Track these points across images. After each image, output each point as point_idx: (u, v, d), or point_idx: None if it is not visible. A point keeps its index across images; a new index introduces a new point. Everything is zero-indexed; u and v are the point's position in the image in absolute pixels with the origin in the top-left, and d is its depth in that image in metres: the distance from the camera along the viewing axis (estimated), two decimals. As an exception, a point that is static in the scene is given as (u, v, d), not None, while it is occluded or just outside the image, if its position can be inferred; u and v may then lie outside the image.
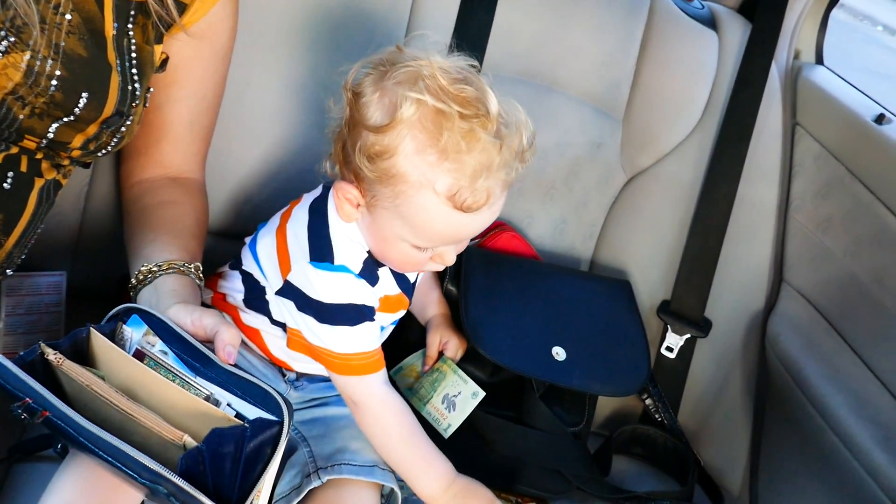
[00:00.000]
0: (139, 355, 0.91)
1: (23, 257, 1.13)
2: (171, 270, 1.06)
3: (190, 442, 0.83)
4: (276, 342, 1.13)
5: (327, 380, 1.19)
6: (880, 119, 1.48)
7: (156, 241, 1.10)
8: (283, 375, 1.16)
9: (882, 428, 1.33)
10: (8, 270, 1.11)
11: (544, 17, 1.50)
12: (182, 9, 1.11)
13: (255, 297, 1.11)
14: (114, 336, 0.93)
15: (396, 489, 1.11)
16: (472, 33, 1.44)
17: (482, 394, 1.25)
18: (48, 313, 1.23)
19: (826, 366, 1.44)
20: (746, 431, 1.60)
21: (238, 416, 0.88)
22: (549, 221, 1.56)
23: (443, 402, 1.25)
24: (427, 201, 0.95)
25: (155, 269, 1.06)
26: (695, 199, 1.55)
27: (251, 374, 0.91)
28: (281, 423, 0.87)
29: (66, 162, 1.10)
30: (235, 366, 0.92)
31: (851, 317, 1.46)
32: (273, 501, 1.07)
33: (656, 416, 1.52)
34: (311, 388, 1.18)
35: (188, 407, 0.87)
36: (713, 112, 1.56)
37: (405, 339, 1.38)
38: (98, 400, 0.85)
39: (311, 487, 1.06)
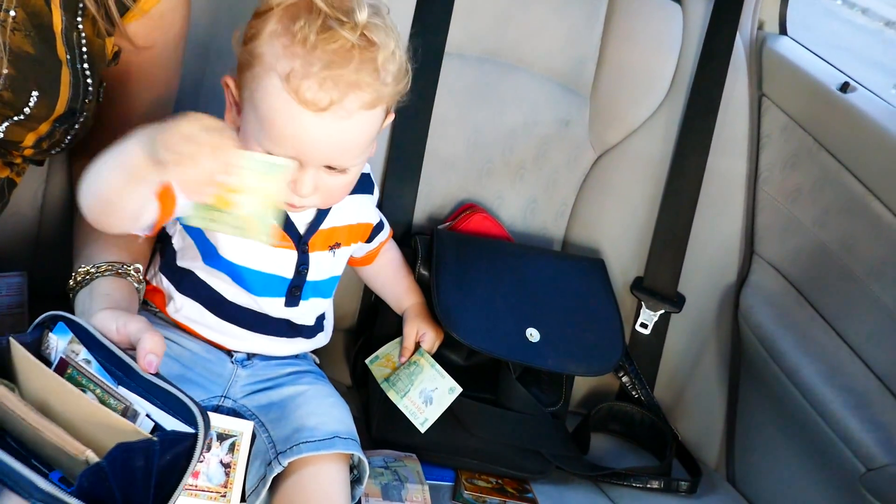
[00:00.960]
0: (63, 364, 0.87)
1: None
2: (108, 272, 1.03)
3: (92, 457, 0.79)
4: (208, 332, 1.13)
5: (279, 359, 1.18)
6: (845, 87, 1.48)
7: (98, 241, 1.07)
8: (231, 356, 1.14)
9: (854, 395, 1.34)
10: (-36, 272, 1.08)
11: (507, -6, 1.49)
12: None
13: (166, 248, 1.11)
14: (40, 344, 0.89)
15: (363, 458, 1.09)
16: (434, 12, 1.42)
17: (459, 389, 1.25)
18: (10, 315, 1.20)
19: (798, 336, 1.45)
20: (721, 404, 1.61)
21: (157, 427, 0.85)
22: (519, 202, 1.55)
23: (420, 396, 1.25)
24: (271, 85, 0.94)
25: (92, 270, 1.03)
26: (665, 174, 1.55)
27: (171, 384, 0.88)
28: (195, 435, 0.83)
29: (18, 160, 1.06)
30: (157, 375, 0.89)
31: (822, 286, 1.47)
32: (245, 497, 1.06)
33: (633, 392, 1.52)
34: (261, 365, 1.16)
35: (100, 420, 0.83)
36: (680, 86, 1.56)
37: (381, 329, 1.37)
38: (10, 414, 0.82)
39: (275, 474, 1.04)
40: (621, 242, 1.57)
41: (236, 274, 1.10)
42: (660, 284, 1.54)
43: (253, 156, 0.89)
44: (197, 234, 1.09)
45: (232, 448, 1.06)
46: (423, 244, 1.37)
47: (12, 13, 0.96)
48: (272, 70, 0.94)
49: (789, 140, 1.55)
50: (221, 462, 1.04)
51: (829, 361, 1.39)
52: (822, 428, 1.35)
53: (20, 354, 0.87)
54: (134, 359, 0.88)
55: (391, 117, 1.06)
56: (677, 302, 1.54)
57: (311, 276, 1.14)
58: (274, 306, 1.13)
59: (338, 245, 1.16)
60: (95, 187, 0.96)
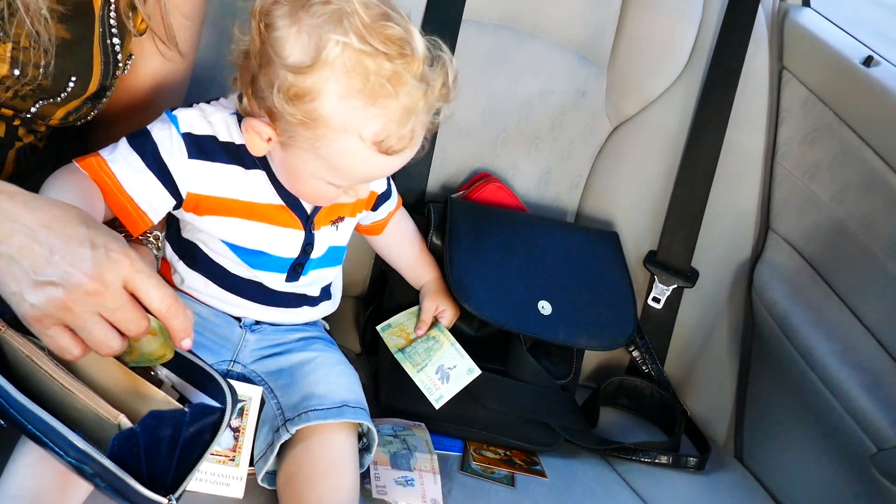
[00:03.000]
0: None
1: None
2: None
3: (125, 422, 0.79)
4: (213, 301, 1.12)
5: (288, 324, 1.17)
6: (868, 61, 1.45)
7: None
8: (239, 321, 1.14)
9: (867, 374, 1.33)
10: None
11: (526, -40, 1.46)
12: None
13: (172, 218, 1.11)
14: None
15: (372, 427, 1.08)
16: (453, -23, 1.39)
17: (478, 371, 1.24)
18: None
19: (812, 313, 1.44)
20: (732, 380, 1.60)
21: (181, 399, 0.86)
22: (534, 172, 1.53)
23: (437, 373, 1.24)
24: (351, 146, 0.92)
25: None
26: (681, 146, 1.52)
27: (200, 358, 0.88)
28: (223, 410, 0.84)
29: (42, 128, 1.06)
30: (189, 350, 0.88)
31: (838, 264, 1.46)
32: (253, 462, 1.06)
33: (643, 367, 1.52)
34: (270, 330, 1.15)
35: (129, 386, 0.83)
36: (699, 57, 1.53)
37: (391, 298, 1.36)
38: (38, 372, 0.81)
39: (282, 441, 1.04)
40: (635, 215, 1.56)
41: (240, 253, 1.08)
42: (673, 259, 1.52)
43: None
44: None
45: (241, 413, 1.06)
46: (436, 212, 1.36)
47: (43, 10, 0.93)
48: (348, 133, 0.91)
49: (809, 114, 1.52)
50: (230, 426, 1.04)
51: (842, 340, 1.38)
52: (833, 406, 1.34)
53: None
54: None
55: None
56: (690, 277, 1.53)
57: (318, 252, 1.13)
58: (275, 281, 1.12)
59: (341, 219, 1.14)
60: None
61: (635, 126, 1.55)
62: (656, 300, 1.54)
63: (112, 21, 1.02)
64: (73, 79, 0.98)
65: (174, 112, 1.02)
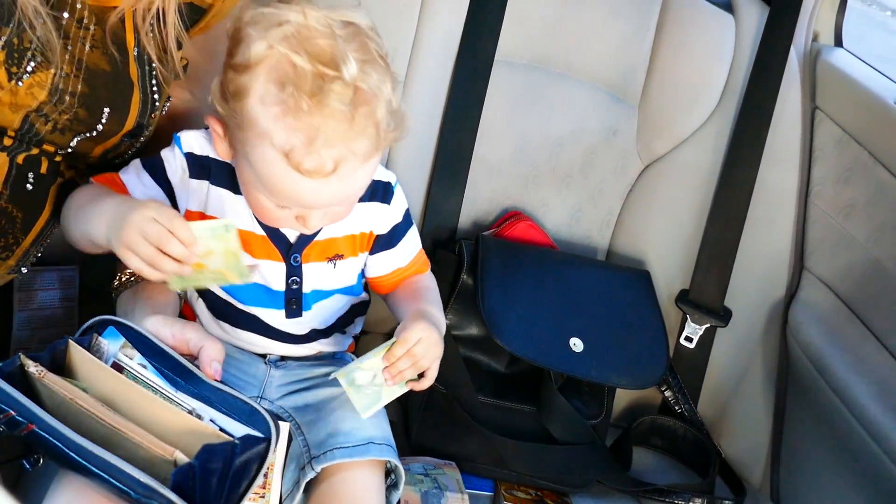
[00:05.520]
0: (116, 368, 0.89)
1: (38, 255, 1.11)
2: None
3: (181, 458, 0.80)
4: (229, 338, 1.12)
5: (314, 359, 1.16)
6: (903, 101, 1.45)
7: None
8: (264, 357, 1.13)
9: (907, 416, 1.30)
10: (23, 268, 1.09)
11: (557, 2, 1.48)
12: (200, 13, 1.08)
13: None
14: (90, 348, 0.90)
15: (398, 464, 1.07)
16: (485, 19, 1.42)
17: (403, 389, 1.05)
18: (62, 308, 1.22)
19: (849, 354, 1.42)
20: (767, 422, 1.58)
21: (223, 431, 0.87)
22: (564, 210, 1.54)
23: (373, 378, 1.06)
24: (267, 154, 0.90)
25: None
26: (713, 185, 1.52)
27: (237, 391, 0.89)
28: (268, 440, 0.85)
29: (83, 165, 1.09)
30: (221, 381, 0.90)
31: (875, 304, 1.43)
32: (281, 501, 1.05)
33: (676, 407, 1.50)
34: (294, 365, 1.14)
35: (174, 422, 0.85)
36: (731, 97, 1.53)
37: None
38: (82, 414, 0.83)
39: (308, 480, 1.03)
40: (667, 254, 1.55)
41: (227, 287, 1.09)
42: (706, 298, 1.51)
43: (200, 226, 0.92)
44: None
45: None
46: (467, 249, 1.37)
47: (91, 29, 0.97)
48: (268, 141, 0.89)
49: (843, 154, 1.52)
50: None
51: (881, 381, 1.36)
52: (872, 449, 1.31)
53: (81, 356, 0.88)
54: (195, 365, 0.90)
55: None
56: (723, 316, 1.51)
57: (311, 286, 1.10)
58: (274, 317, 1.10)
59: (339, 257, 1.10)
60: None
61: (667, 165, 1.55)
62: (689, 339, 1.52)
63: (154, 66, 1.04)
64: (107, 111, 1.00)
65: (179, 133, 1.05)
